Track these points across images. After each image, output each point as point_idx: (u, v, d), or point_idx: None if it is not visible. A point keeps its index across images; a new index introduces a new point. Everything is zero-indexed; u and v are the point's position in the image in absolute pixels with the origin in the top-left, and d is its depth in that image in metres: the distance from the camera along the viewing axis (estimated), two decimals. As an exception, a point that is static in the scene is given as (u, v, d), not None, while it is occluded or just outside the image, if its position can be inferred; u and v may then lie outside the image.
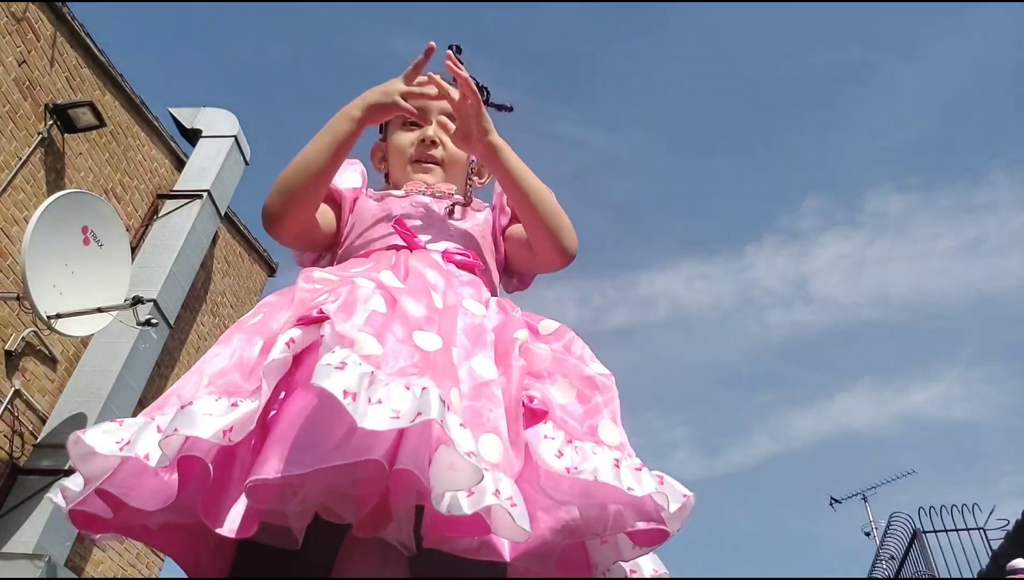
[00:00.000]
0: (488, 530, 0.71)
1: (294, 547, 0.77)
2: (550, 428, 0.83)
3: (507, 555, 0.73)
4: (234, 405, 0.74)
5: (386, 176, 1.38)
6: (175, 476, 0.74)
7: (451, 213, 1.21)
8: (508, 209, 1.28)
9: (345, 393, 0.67)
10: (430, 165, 1.29)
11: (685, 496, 0.84)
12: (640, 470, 0.80)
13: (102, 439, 0.76)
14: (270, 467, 0.67)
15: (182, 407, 0.74)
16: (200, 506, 0.73)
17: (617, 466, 0.78)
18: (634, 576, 0.90)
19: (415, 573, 0.83)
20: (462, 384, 0.81)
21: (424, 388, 0.71)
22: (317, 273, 0.95)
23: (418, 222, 1.18)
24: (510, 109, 1.39)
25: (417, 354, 0.79)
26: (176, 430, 0.70)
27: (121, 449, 0.75)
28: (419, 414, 0.67)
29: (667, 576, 0.92)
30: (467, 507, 0.68)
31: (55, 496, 0.80)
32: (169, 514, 0.77)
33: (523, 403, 0.85)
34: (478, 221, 1.25)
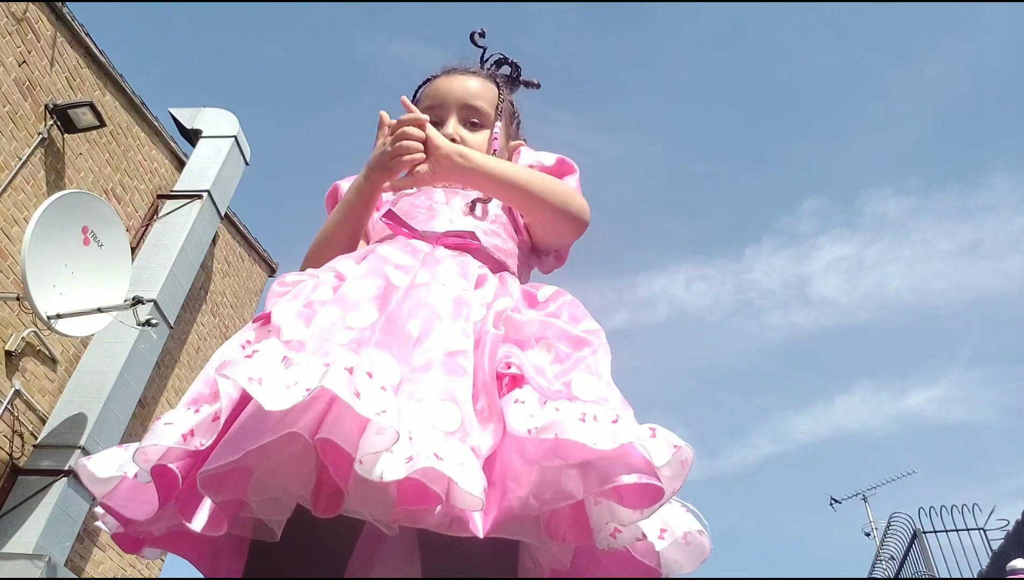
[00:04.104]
0: (439, 500, 0.68)
1: (272, 539, 0.79)
2: (525, 392, 0.80)
3: (480, 530, 0.70)
4: (196, 411, 0.78)
5: None
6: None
7: (472, 208, 1.19)
8: None
9: (250, 379, 0.69)
10: None
11: (675, 447, 0.75)
12: (617, 421, 0.74)
13: (103, 465, 0.82)
14: (213, 457, 0.70)
15: (155, 421, 0.78)
16: (177, 506, 0.77)
17: (583, 420, 0.74)
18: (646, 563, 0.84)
19: (426, 569, 0.83)
20: (418, 356, 0.80)
21: (328, 365, 0.71)
22: (291, 276, 0.97)
23: (418, 209, 1.17)
24: (537, 86, 1.42)
25: (345, 332, 0.79)
26: (140, 445, 0.75)
27: (117, 470, 0.81)
28: (309, 388, 0.68)
29: (704, 533, 0.84)
30: (401, 472, 0.67)
31: (101, 523, 0.87)
32: (168, 521, 0.80)
33: (500, 372, 0.83)
34: (495, 204, 1.23)
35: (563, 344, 0.88)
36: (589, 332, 0.91)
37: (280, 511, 0.79)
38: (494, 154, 1.27)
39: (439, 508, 0.70)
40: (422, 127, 1.11)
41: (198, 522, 0.77)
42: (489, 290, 0.97)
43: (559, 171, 1.25)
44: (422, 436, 0.71)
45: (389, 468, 0.67)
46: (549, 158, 1.27)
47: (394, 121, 1.13)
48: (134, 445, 0.82)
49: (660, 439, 0.76)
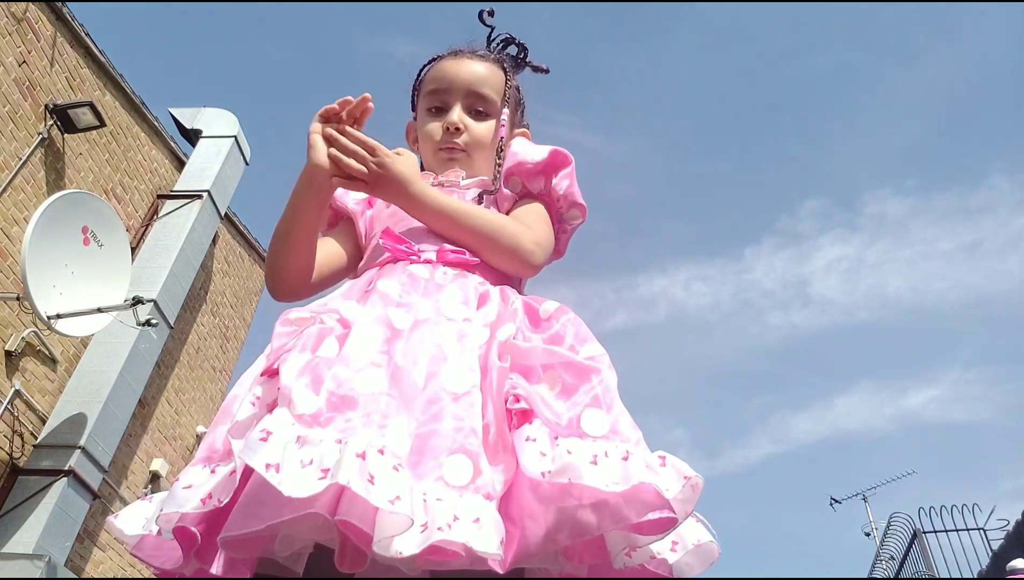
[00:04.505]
0: (457, 556, 0.70)
1: (296, 576, 0.81)
2: (535, 428, 0.80)
3: (500, 568, 0.72)
4: (212, 471, 0.80)
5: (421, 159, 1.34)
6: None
7: (479, 199, 1.18)
8: (508, 192, 1.22)
9: (267, 466, 0.69)
10: (456, 154, 1.25)
11: (685, 478, 0.77)
12: (627, 458, 0.76)
13: (130, 521, 0.86)
14: (235, 523, 0.72)
15: (174, 482, 0.82)
16: (196, 556, 0.80)
17: (595, 462, 0.75)
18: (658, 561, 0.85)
19: None
20: (426, 405, 0.81)
21: (340, 442, 0.72)
22: (294, 313, 0.95)
23: (416, 223, 1.15)
24: (546, 71, 1.38)
25: (355, 402, 0.79)
26: (162, 510, 0.79)
27: (143, 527, 0.85)
28: (328, 472, 0.69)
29: (713, 544, 0.85)
30: (417, 545, 0.68)
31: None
32: (195, 564, 0.83)
33: (508, 406, 0.83)
34: (492, 200, 1.20)
35: (569, 375, 0.88)
36: (593, 359, 0.90)
37: (300, 560, 0.81)
38: (500, 142, 1.25)
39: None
40: (369, 148, 1.05)
41: (218, 566, 0.82)
42: (491, 309, 0.97)
43: (551, 164, 1.22)
44: (435, 498, 0.72)
45: (406, 544, 0.69)
46: (541, 152, 1.23)
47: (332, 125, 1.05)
48: (158, 497, 0.86)
49: (670, 468, 0.78)
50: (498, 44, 1.36)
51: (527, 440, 0.79)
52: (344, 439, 0.73)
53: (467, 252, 1.09)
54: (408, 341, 0.89)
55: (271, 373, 0.86)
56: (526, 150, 1.24)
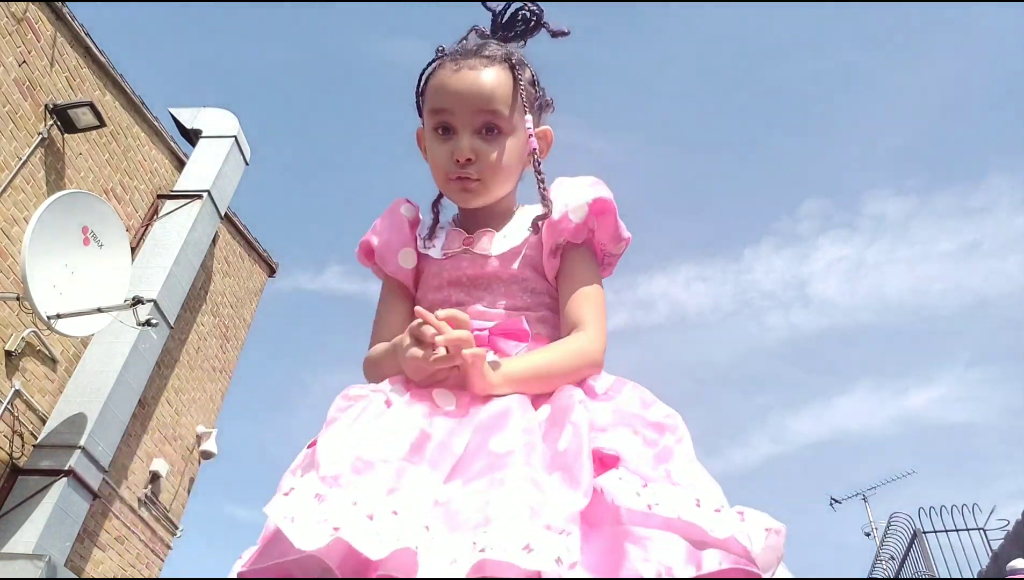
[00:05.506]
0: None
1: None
2: (624, 472, 0.82)
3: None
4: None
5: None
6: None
7: (536, 229, 1.16)
8: (557, 246, 1.15)
9: (284, 518, 0.76)
10: (470, 185, 1.15)
11: (767, 530, 0.79)
12: (720, 511, 0.78)
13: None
14: (250, 561, 0.82)
15: None
16: None
17: (698, 505, 0.78)
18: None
19: None
20: (463, 472, 0.84)
21: (355, 503, 0.77)
22: (354, 390, 0.96)
23: (461, 296, 1.13)
24: (566, 34, 1.25)
25: (378, 466, 0.82)
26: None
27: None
28: (336, 529, 0.73)
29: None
30: (467, 566, 0.70)
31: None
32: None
33: (594, 449, 0.84)
34: (529, 253, 1.16)
35: (649, 431, 0.90)
36: (670, 417, 0.92)
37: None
38: (535, 153, 1.17)
39: None
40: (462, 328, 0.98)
41: None
42: (543, 411, 0.97)
43: (593, 214, 1.14)
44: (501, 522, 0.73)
45: (456, 567, 0.70)
46: (579, 209, 1.14)
47: (432, 333, 0.96)
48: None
49: (751, 523, 0.79)
50: (508, 17, 1.23)
51: (620, 480, 0.81)
52: (357, 501, 0.77)
53: (519, 321, 1.05)
54: (455, 422, 0.91)
55: (315, 444, 0.90)
56: (564, 196, 1.16)
